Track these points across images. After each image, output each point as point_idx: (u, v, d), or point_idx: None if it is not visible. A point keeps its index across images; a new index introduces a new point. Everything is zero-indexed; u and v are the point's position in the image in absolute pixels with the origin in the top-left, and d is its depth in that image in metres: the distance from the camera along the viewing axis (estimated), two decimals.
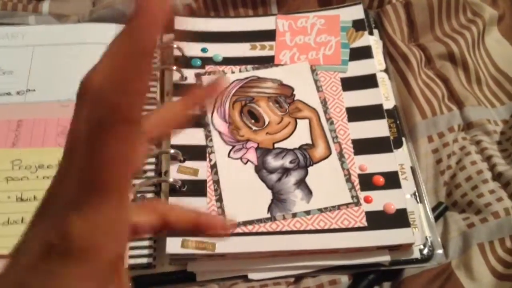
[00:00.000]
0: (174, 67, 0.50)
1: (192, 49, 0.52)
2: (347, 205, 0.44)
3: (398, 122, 0.50)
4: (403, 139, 0.49)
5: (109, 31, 0.53)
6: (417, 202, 0.46)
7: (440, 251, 0.44)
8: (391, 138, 0.48)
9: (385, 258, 0.42)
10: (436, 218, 0.47)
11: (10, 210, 0.44)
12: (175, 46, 0.51)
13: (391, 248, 0.42)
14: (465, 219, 0.46)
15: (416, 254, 0.43)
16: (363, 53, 0.52)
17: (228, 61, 0.52)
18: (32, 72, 0.51)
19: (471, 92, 0.54)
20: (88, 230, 0.22)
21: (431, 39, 0.58)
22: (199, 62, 0.52)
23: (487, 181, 0.47)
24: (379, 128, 0.48)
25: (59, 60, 0.52)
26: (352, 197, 0.44)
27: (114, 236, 0.23)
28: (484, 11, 0.58)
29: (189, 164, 0.46)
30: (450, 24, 0.58)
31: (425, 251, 0.43)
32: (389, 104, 0.50)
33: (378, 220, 0.43)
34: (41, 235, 0.22)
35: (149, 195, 0.45)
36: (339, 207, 0.44)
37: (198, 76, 0.51)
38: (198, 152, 0.46)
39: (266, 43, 0.53)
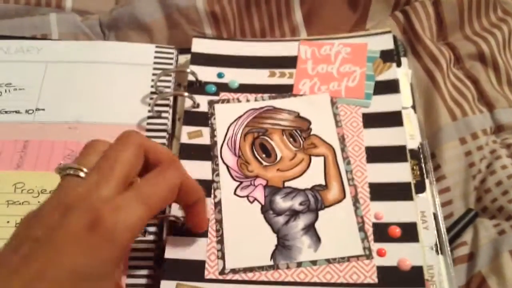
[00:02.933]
0: (186, 94, 0.47)
1: (208, 73, 0.50)
2: (357, 257, 0.40)
3: (422, 164, 0.45)
4: (427, 181, 0.45)
5: (125, 50, 0.52)
6: (438, 254, 0.42)
7: None
8: (414, 182, 0.44)
9: None
10: (466, 225, 0.45)
11: (8, 236, 0.43)
12: (189, 70, 0.49)
13: None
14: (496, 225, 0.45)
15: None
16: (389, 87, 0.48)
17: (244, 88, 0.49)
18: (43, 90, 0.49)
19: (502, 94, 0.52)
20: None
21: (460, 38, 0.56)
22: (214, 89, 0.49)
23: None
24: (400, 172, 0.44)
25: (71, 79, 0.50)
26: (364, 248, 0.41)
27: None
28: None
29: None
30: (480, 23, 0.57)
31: None
32: (414, 143, 0.46)
33: (391, 277, 0.39)
34: None
35: (151, 229, 0.43)
36: (349, 259, 0.40)
37: (211, 104, 0.48)
38: (203, 188, 0.44)
39: (286, 71, 0.50)
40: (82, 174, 0.33)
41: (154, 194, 0.34)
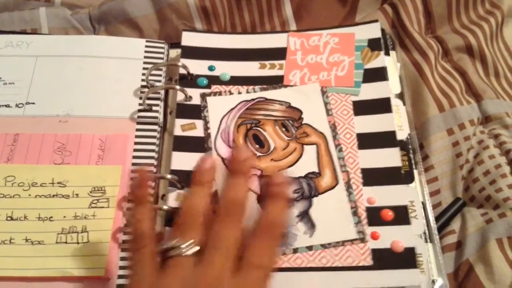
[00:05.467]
0: (178, 87, 0.48)
1: (199, 67, 0.50)
2: (352, 241, 0.41)
3: (410, 154, 0.46)
4: (415, 172, 0.45)
5: (115, 45, 0.52)
6: (427, 242, 0.42)
7: None
8: (403, 172, 0.44)
9: None
10: (454, 214, 0.46)
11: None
12: (180, 64, 0.49)
13: None
14: (483, 214, 0.46)
15: None
16: (378, 75, 0.49)
17: (235, 80, 0.49)
18: (33, 84, 0.49)
19: (489, 85, 0.53)
20: None
21: (448, 31, 0.57)
22: (205, 82, 0.49)
23: (505, 175, 0.46)
24: (390, 157, 0.45)
25: (61, 73, 0.50)
26: (358, 232, 0.41)
27: None
28: (503, 3, 0.58)
29: None
30: (468, 15, 0.58)
31: None
32: (402, 134, 0.47)
33: (385, 259, 0.40)
34: None
35: None
36: (343, 243, 0.41)
37: (203, 96, 0.48)
38: None
39: (276, 62, 0.51)
40: (192, 251, 0.33)
41: (274, 263, 0.34)
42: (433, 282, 0.41)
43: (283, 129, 0.47)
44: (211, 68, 0.50)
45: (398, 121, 0.48)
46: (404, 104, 0.49)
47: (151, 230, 0.35)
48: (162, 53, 0.52)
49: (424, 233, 0.42)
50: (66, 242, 0.41)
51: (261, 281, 0.33)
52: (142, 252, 0.34)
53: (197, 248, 0.33)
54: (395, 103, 0.49)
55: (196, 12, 0.54)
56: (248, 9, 0.56)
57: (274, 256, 0.35)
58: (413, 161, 0.46)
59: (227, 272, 0.32)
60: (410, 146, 0.47)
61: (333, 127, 0.47)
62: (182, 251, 0.33)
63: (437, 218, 0.46)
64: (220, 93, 0.49)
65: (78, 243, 0.41)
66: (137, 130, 0.47)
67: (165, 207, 0.42)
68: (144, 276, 0.33)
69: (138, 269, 0.34)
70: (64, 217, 0.42)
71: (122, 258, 0.41)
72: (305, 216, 0.42)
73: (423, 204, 0.44)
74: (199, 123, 0.47)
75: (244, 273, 0.33)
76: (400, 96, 0.50)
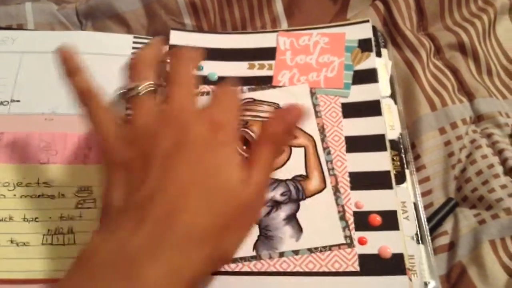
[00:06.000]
0: (165, 84, 0.47)
1: None
2: (339, 246, 0.41)
3: (402, 154, 0.46)
4: (407, 171, 0.45)
5: (103, 41, 0.51)
6: (418, 243, 0.42)
7: None
8: (394, 172, 0.44)
9: None
10: (446, 215, 0.45)
11: None
12: (167, 61, 0.48)
13: None
14: (476, 215, 0.45)
15: None
16: (368, 76, 0.48)
17: (223, 80, 0.49)
18: (18, 82, 0.48)
19: (482, 84, 0.53)
20: None
21: (441, 28, 0.57)
22: None
23: (498, 175, 0.46)
24: (379, 162, 0.44)
25: (47, 70, 0.49)
26: (346, 237, 0.41)
27: None
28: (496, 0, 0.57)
29: None
30: (460, 13, 0.57)
31: None
32: (394, 134, 0.47)
33: (372, 264, 0.40)
34: None
35: None
36: (330, 247, 0.41)
37: None
38: None
39: (265, 62, 0.50)
40: (153, 88, 0.36)
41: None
42: (426, 284, 0.41)
43: None
44: (199, 68, 0.49)
45: (389, 120, 0.47)
46: (396, 103, 0.49)
47: (94, 87, 0.37)
48: None
49: (416, 234, 0.42)
50: (52, 244, 0.41)
51: (231, 102, 0.35)
52: (93, 105, 0.36)
53: (153, 87, 0.35)
54: (387, 102, 0.48)
55: (185, 8, 0.54)
56: (238, 5, 0.55)
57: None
58: (404, 161, 0.46)
59: (193, 102, 0.34)
60: (401, 146, 0.46)
61: (322, 130, 0.46)
62: (140, 90, 0.35)
63: (429, 219, 0.45)
64: (208, 93, 0.48)
65: (64, 244, 0.41)
66: None
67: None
68: (107, 122, 0.35)
69: (97, 120, 0.36)
70: (50, 218, 0.42)
71: None
72: (292, 219, 0.42)
73: (415, 204, 0.44)
74: None
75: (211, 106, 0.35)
76: (392, 95, 0.49)
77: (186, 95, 0.34)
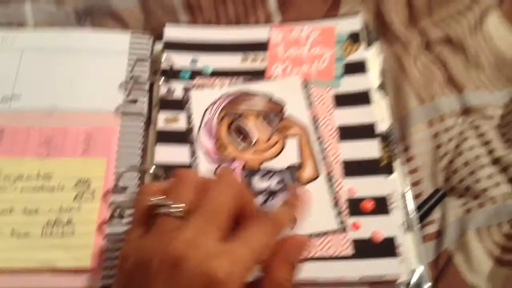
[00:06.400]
0: (161, 80, 0.48)
1: (182, 60, 0.50)
2: (333, 231, 0.42)
3: (391, 146, 0.47)
4: (396, 162, 0.46)
5: (100, 38, 0.52)
6: (406, 231, 0.43)
7: (428, 285, 0.41)
8: (383, 163, 0.45)
9: None
10: (434, 205, 0.46)
11: None
12: (164, 58, 0.49)
13: (373, 284, 0.40)
14: (463, 204, 0.46)
15: None
16: (358, 67, 0.50)
17: (218, 73, 0.50)
18: (18, 78, 0.49)
19: (470, 77, 0.53)
20: None
21: (430, 23, 0.57)
22: (188, 75, 0.50)
23: (485, 166, 0.47)
24: (370, 149, 0.45)
25: (46, 67, 0.50)
26: (339, 223, 0.42)
27: None
28: None
29: None
30: (449, 7, 0.58)
31: (411, 286, 0.41)
32: (383, 126, 0.48)
33: (365, 248, 0.41)
34: None
35: (129, 212, 0.43)
36: (325, 233, 0.42)
37: (186, 90, 0.49)
38: None
39: (258, 55, 0.51)
40: (181, 213, 0.31)
41: (264, 251, 0.32)
42: (413, 271, 0.41)
43: (266, 121, 0.47)
44: (194, 61, 0.51)
45: (379, 113, 0.48)
46: (385, 96, 0.50)
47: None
48: (147, 46, 0.52)
49: (405, 223, 0.43)
50: (51, 234, 0.42)
51: (246, 257, 0.30)
52: (137, 204, 0.34)
53: (182, 209, 0.31)
54: (376, 95, 0.49)
55: (180, 5, 0.55)
56: (233, 2, 0.56)
57: (266, 244, 0.32)
58: (394, 153, 0.47)
59: (207, 237, 0.30)
60: (391, 138, 0.47)
61: (314, 120, 0.47)
62: (170, 210, 0.31)
63: (418, 208, 0.46)
64: (203, 86, 0.49)
65: (63, 235, 0.42)
66: (122, 123, 0.48)
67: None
68: (133, 229, 0.33)
69: (134, 219, 0.34)
70: (50, 209, 0.43)
71: (107, 250, 0.42)
72: None
73: (404, 195, 0.45)
74: (182, 115, 0.48)
75: (229, 244, 0.30)
76: (382, 88, 0.50)
77: (204, 227, 0.31)
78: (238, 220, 0.33)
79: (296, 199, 0.36)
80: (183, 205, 0.32)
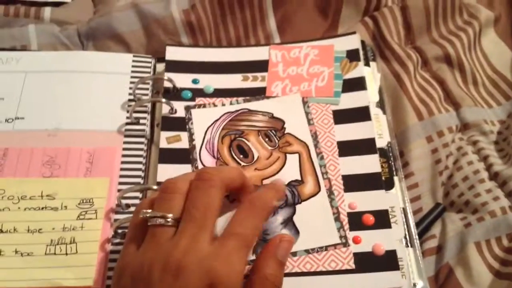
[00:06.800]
0: (163, 100, 0.49)
1: (183, 80, 0.51)
2: (335, 245, 0.42)
3: (391, 161, 0.47)
4: (396, 178, 0.47)
5: (103, 60, 0.53)
6: (407, 246, 0.43)
7: None
8: (383, 178, 0.45)
9: None
10: (434, 219, 0.46)
11: None
12: (165, 78, 0.50)
13: None
14: (462, 219, 0.46)
15: None
16: (356, 84, 0.50)
17: (219, 93, 0.51)
18: (22, 99, 0.50)
19: (468, 93, 0.54)
20: None
21: (427, 41, 0.59)
22: (189, 94, 0.50)
23: (483, 180, 0.48)
24: (370, 164, 0.46)
25: (50, 88, 0.51)
26: (341, 237, 0.42)
27: None
28: (480, 13, 0.59)
29: None
30: (446, 26, 0.59)
31: None
32: (382, 142, 0.48)
33: (367, 262, 0.41)
34: None
35: None
36: (326, 248, 0.42)
37: (187, 109, 0.50)
38: None
39: (259, 74, 0.52)
40: (170, 222, 0.34)
41: (253, 235, 0.35)
42: (414, 285, 0.42)
43: (266, 139, 0.48)
44: (195, 81, 0.51)
45: (378, 129, 0.49)
46: (384, 113, 0.51)
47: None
48: (149, 67, 0.53)
49: (405, 237, 0.44)
50: (55, 253, 0.42)
51: (236, 249, 0.33)
52: (131, 221, 0.36)
53: (170, 218, 0.34)
54: (375, 112, 0.50)
55: (182, 27, 0.56)
56: (233, 23, 0.58)
57: (254, 227, 0.35)
58: (393, 168, 0.47)
59: (200, 241, 0.32)
60: (390, 154, 0.48)
61: (315, 136, 0.48)
62: (158, 220, 0.34)
63: (418, 224, 0.47)
64: (204, 105, 0.50)
65: (66, 254, 0.42)
66: (125, 142, 0.48)
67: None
68: (127, 245, 0.35)
69: (128, 234, 0.36)
70: (53, 229, 0.43)
71: (110, 268, 0.42)
72: (289, 223, 0.43)
73: (404, 210, 0.45)
74: (184, 135, 0.48)
75: (220, 242, 0.33)
76: (380, 105, 0.51)
77: (197, 233, 0.33)
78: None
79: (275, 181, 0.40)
80: (171, 215, 0.34)
